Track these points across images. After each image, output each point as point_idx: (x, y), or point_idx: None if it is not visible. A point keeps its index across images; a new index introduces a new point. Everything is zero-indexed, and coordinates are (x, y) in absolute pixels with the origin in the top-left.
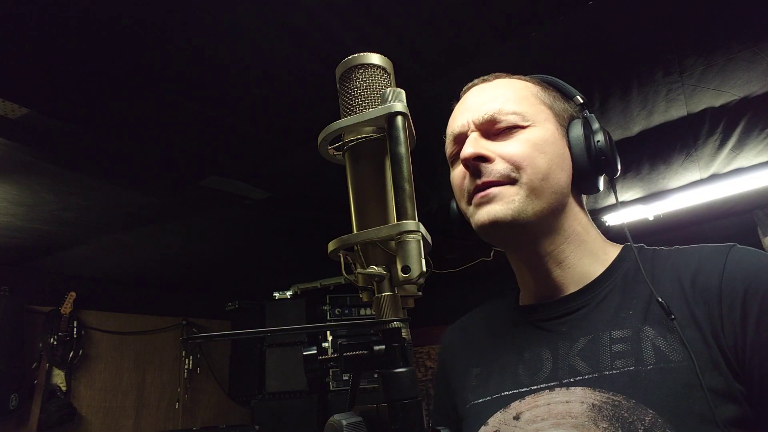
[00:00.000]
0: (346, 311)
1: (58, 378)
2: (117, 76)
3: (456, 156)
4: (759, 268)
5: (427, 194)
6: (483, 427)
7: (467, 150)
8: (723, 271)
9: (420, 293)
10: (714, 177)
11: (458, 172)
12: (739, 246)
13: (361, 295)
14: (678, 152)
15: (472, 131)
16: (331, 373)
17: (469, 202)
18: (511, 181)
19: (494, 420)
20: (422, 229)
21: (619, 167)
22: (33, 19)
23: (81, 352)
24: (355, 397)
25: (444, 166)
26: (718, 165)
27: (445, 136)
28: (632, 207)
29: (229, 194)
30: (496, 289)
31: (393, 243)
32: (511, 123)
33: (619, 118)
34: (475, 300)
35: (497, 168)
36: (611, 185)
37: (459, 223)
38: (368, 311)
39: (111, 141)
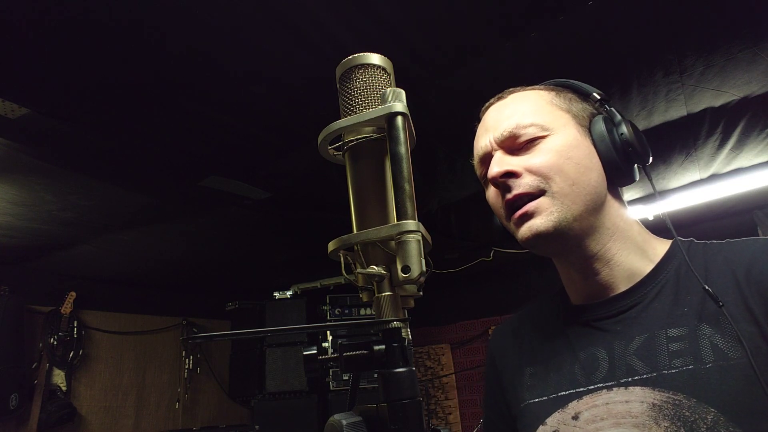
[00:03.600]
0: (346, 311)
1: (58, 378)
2: (117, 76)
3: (486, 176)
4: None
5: (427, 194)
6: (542, 426)
7: (494, 169)
8: None
9: (420, 293)
10: (714, 177)
11: (492, 192)
12: None
13: (361, 295)
14: (678, 152)
15: (495, 150)
16: (331, 373)
17: (508, 218)
18: (542, 192)
19: (553, 420)
20: (422, 229)
21: (650, 154)
22: (33, 20)
23: (81, 352)
24: (355, 397)
25: (444, 165)
26: (718, 165)
27: (472, 159)
28: (632, 207)
29: (229, 194)
30: (495, 289)
31: (393, 243)
32: (531, 135)
33: None
34: (475, 300)
35: (526, 180)
36: (645, 173)
37: (502, 234)
38: (368, 311)
39: (111, 141)
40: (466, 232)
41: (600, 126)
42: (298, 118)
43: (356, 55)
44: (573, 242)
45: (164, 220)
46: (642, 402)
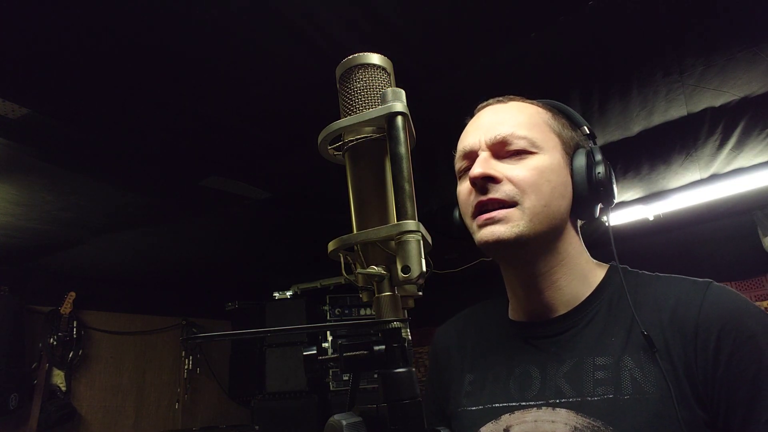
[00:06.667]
0: (346, 311)
1: (58, 378)
2: (117, 76)
3: (465, 171)
4: (733, 308)
5: (427, 194)
6: None
7: (477, 169)
8: (701, 308)
9: (420, 293)
10: (714, 177)
11: (465, 188)
12: (716, 284)
13: (361, 295)
14: (678, 152)
15: (483, 150)
16: (331, 373)
17: (474, 217)
18: (514, 204)
19: (486, 429)
20: (422, 229)
21: (615, 198)
22: (33, 20)
23: (81, 352)
24: (355, 397)
25: (444, 165)
26: (718, 165)
27: (455, 151)
28: (632, 207)
29: (229, 194)
30: (496, 289)
31: (393, 243)
32: (521, 147)
33: (619, 118)
34: (475, 300)
35: (504, 188)
36: (605, 214)
37: (459, 229)
38: (368, 311)
39: (111, 141)
40: (466, 232)
41: (581, 160)
42: (298, 118)
43: (356, 55)
44: (526, 256)
45: (164, 220)
46: (566, 424)
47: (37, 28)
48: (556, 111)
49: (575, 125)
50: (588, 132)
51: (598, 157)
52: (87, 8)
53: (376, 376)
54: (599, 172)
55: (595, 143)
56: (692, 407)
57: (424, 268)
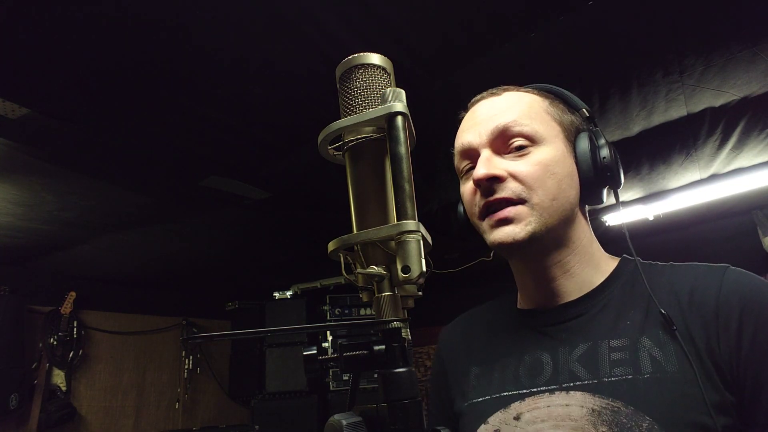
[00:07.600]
0: (346, 311)
1: (58, 378)
2: (117, 76)
3: (466, 171)
4: (753, 288)
5: (427, 194)
6: (483, 425)
7: (480, 171)
8: (720, 289)
9: (420, 293)
10: (714, 177)
11: (469, 188)
12: (734, 267)
13: (361, 295)
14: (678, 152)
15: (484, 147)
16: (331, 373)
17: (481, 218)
18: (522, 201)
19: (495, 419)
20: (422, 229)
21: (622, 179)
22: (33, 19)
23: (81, 352)
24: (355, 397)
25: (444, 166)
26: (718, 165)
27: (453, 148)
28: (632, 207)
29: (229, 194)
30: (496, 289)
31: (393, 243)
32: (523, 141)
33: (618, 118)
34: (475, 300)
35: (509, 186)
36: (615, 196)
37: (464, 227)
38: (368, 311)
39: (111, 141)
40: (470, 231)
41: (584, 144)
42: (298, 118)
43: (356, 55)
44: (540, 249)
45: (164, 220)
46: (582, 406)
47: (38, 28)
48: (552, 97)
49: (574, 108)
50: (588, 114)
51: (602, 140)
52: (86, 9)
53: (376, 376)
54: (604, 156)
55: (596, 125)
56: (718, 388)
57: (424, 268)
